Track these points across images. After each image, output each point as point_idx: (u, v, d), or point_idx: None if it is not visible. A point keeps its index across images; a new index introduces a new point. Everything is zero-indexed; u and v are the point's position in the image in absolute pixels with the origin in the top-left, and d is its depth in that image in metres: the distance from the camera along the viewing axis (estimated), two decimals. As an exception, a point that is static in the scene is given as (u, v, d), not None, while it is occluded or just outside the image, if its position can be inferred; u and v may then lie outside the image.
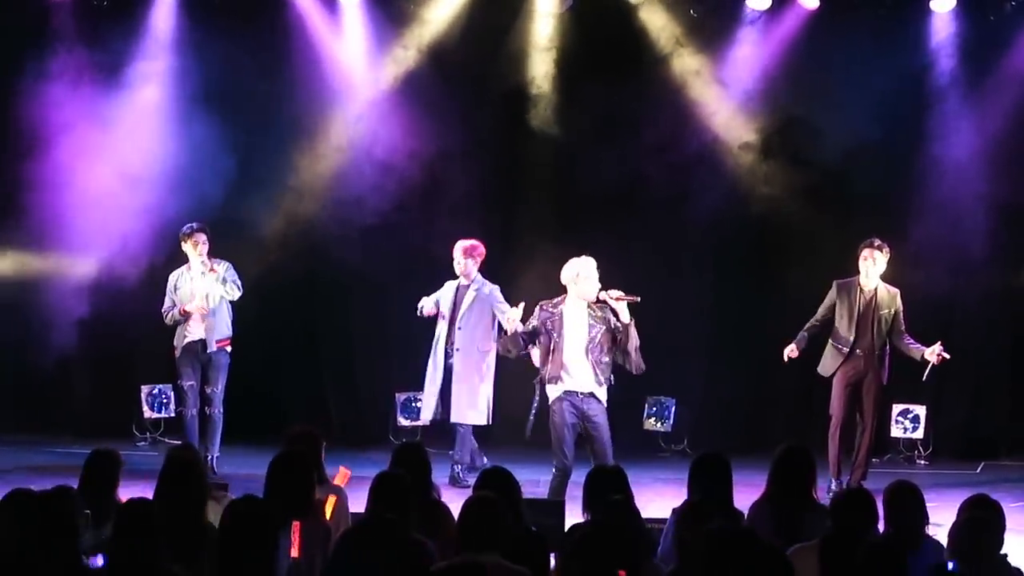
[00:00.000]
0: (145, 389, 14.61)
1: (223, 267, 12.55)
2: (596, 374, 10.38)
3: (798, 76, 14.27)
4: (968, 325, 14.50)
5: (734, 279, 14.54)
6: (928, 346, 11.91)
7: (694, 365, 14.48)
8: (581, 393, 10.41)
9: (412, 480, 7.21)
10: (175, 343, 12.77)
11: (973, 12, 14.26)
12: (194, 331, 12.67)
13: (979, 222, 14.06)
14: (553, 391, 10.49)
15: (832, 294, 12.03)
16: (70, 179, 13.95)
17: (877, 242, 11.94)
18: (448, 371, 12.50)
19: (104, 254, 14.21)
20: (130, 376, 14.72)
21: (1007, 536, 6.82)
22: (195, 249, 12.56)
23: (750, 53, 14.54)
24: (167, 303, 12.78)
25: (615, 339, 10.38)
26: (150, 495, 6.92)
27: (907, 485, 7.13)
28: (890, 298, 11.94)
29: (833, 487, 11.68)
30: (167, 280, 12.82)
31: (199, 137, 14.00)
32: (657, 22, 14.62)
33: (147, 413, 14.63)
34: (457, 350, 12.48)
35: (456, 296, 12.53)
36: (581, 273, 10.43)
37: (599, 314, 10.41)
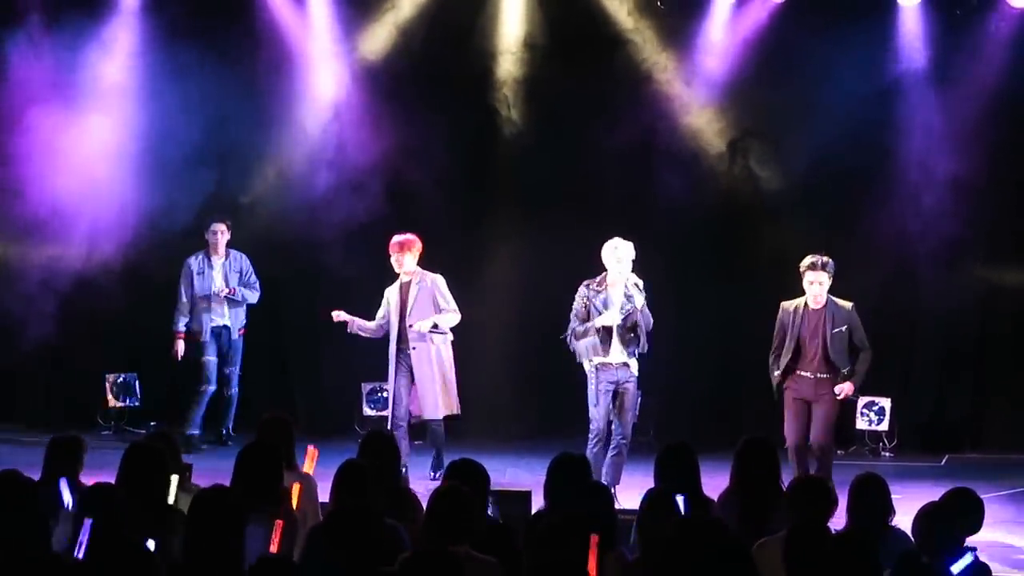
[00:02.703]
0: (110, 378, 14.55)
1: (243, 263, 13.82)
2: (625, 348, 11.32)
3: (765, 69, 14.29)
4: (933, 317, 14.55)
5: (699, 270, 14.55)
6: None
7: (660, 356, 14.45)
8: (615, 364, 11.34)
9: (380, 467, 7.22)
10: (193, 327, 13.69)
11: (940, 5, 14.30)
12: (217, 317, 13.68)
13: (944, 214, 14.10)
14: (595, 360, 11.34)
15: (780, 317, 11.39)
16: (33, 167, 13.86)
17: (821, 261, 11.14)
18: (409, 370, 12.24)
19: (70, 242, 14.14)
20: (95, 365, 14.64)
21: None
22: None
23: (717, 45, 14.55)
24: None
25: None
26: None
27: (874, 477, 7.16)
28: (845, 314, 11.23)
29: None
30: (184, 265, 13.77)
31: (164, 126, 13.98)
32: (623, 13, 14.61)
33: (111, 402, 14.57)
34: (413, 348, 12.20)
35: (402, 294, 12.27)
36: (621, 254, 11.31)
37: (629, 293, 11.29)
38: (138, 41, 14.39)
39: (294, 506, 7.40)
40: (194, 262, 13.70)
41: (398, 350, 12.25)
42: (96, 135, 14.03)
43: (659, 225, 14.32)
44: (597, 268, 11.51)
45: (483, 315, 14.14)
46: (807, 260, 11.23)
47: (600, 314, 11.32)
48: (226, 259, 13.74)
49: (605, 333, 11.30)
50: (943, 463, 13.78)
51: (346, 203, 14.21)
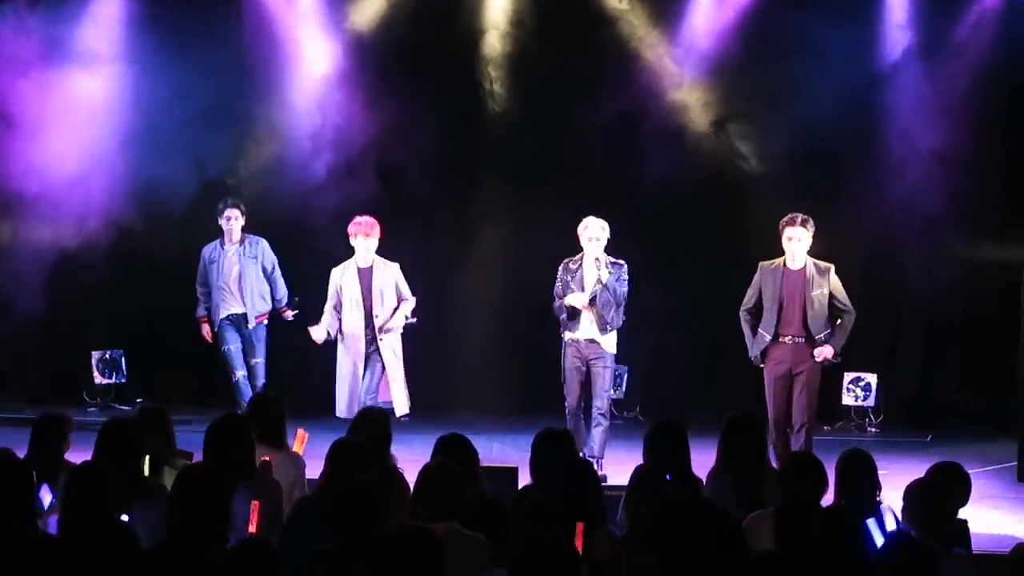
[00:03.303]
0: (96, 355, 14.53)
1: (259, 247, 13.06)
2: (597, 323, 11.24)
3: (753, 45, 14.27)
4: (919, 293, 14.58)
5: (686, 247, 14.56)
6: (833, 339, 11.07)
7: (645, 333, 14.49)
8: (583, 340, 11.31)
9: (370, 446, 7.21)
10: (211, 316, 12.99)
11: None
12: (232, 305, 12.97)
13: (931, 190, 14.12)
14: (565, 337, 11.40)
15: (757, 277, 11.15)
16: (20, 143, 13.83)
17: (800, 218, 10.96)
18: (368, 360, 11.85)
19: (57, 218, 14.09)
20: (82, 341, 14.61)
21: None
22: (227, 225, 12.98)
23: (705, 22, 14.53)
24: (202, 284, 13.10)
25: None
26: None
27: (860, 453, 7.18)
28: (821, 276, 10.99)
29: None
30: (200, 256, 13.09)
31: (152, 100, 13.96)
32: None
33: (98, 379, 14.56)
34: (381, 339, 11.83)
35: (363, 280, 11.87)
36: (592, 233, 11.29)
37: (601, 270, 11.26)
38: (124, 15, 14.34)
39: (276, 480, 7.37)
40: (207, 251, 13.12)
41: (368, 338, 11.87)
42: (83, 110, 13.98)
43: (645, 202, 14.33)
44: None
45: (471, 292, 14.15)
46: (786, 216, 11.12)
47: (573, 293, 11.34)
48: (241, 245, 13.06)
49: (574, 310, 11.32)
50: (929, 439, 13.81)
51: (334, 183, 14.17)
